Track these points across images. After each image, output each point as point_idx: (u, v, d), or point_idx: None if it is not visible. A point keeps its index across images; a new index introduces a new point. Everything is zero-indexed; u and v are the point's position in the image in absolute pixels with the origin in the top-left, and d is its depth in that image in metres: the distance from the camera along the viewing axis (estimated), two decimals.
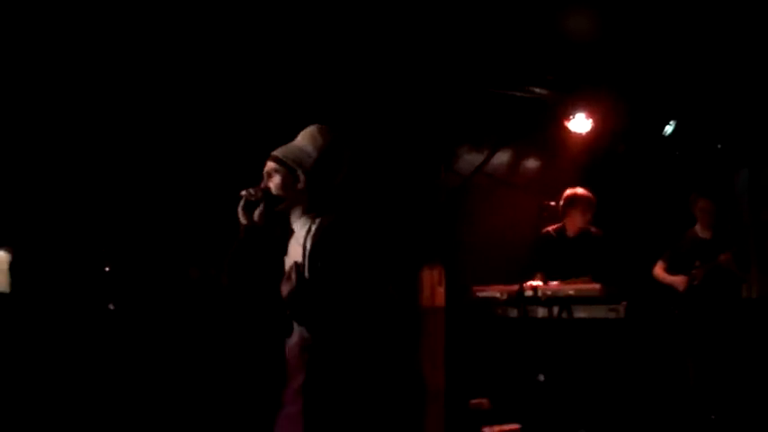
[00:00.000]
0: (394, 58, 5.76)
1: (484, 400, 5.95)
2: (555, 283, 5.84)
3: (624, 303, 5.66)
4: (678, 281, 6.27)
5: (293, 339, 2.83)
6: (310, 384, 2.74)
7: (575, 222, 6.13)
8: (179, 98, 5.38)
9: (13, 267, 5.18)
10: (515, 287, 5.79)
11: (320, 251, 2.78)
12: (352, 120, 5.36)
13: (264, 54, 5.42)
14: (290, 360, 2.83)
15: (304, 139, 2.95)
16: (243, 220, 2.81)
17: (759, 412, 5.59)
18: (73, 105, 5.18)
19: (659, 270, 6.45)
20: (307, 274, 2.77)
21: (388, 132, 6.01)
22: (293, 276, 2.73)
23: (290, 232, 2.94)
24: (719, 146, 6.84)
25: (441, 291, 5.89)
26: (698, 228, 6.37)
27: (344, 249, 2.79)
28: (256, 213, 2.80)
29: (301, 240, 2.85)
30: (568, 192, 6.14)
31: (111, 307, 5.16)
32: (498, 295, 6.01)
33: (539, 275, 6.02)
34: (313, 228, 2.83)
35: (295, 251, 2.88)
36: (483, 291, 6.13)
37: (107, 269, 5.31)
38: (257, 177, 2.97)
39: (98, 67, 5.12)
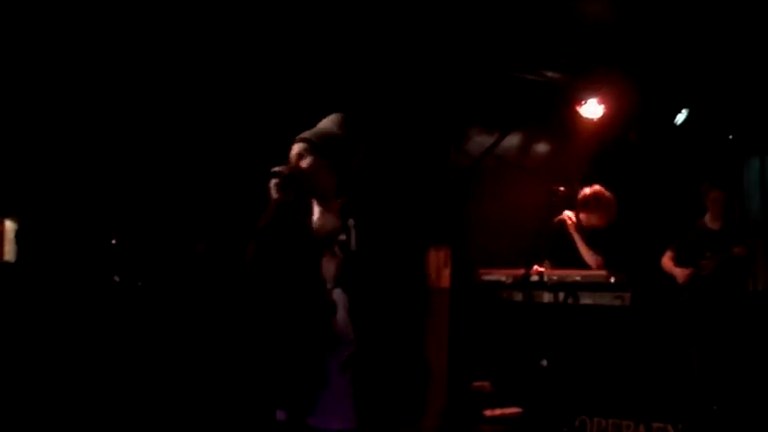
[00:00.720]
0: (407, 40, 5.73)
1: (486, 383, 5.95)
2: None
3: (630, 291, 5.65)
4: (679, 273, 6.25)
5: (339, 313, 2.88)
6: (360, 356, 2.81)
7: (590, 220, 6.01)
8: (186, 77, 5.37)
9: (20, 237, 5.19)
10: (521, 271, 5.76)
11: (363, 227, 2.86)
12: (364, 100, 5.35)
13: (274, 37, 5.40)
14: (338, 333, 2.88)
15: (332, 124, 3.04)
16: (275, 194, 2.85)
17: (761, 404, 5.58)
18: (82, 80, 5.17)
19: (666, 260, 6.42)
20: (353, 247, 2.84)
21: (399, 112, 5.98)
22: (338, 252, 2.82)
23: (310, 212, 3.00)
24: (731, 136, 6.79)
25: (446, 272, 5.86)
26: (708, 218, 6.31)
27: (381, 225, 2.91)
28: (287, 190, 2.85)
29: (330, 220, 2.92)
30: (590, 191, 5.99)
31: (117, 279, 5.16)
32: (504, 279, 5.99)
33: (546, 263, 5.99)
34: (347, 206, 2.91)
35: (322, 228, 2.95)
36: (488, 274, 6.11)
37: (113, 241, 5.31)
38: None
39: (107, 45, 5.12)
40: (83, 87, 5.20)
